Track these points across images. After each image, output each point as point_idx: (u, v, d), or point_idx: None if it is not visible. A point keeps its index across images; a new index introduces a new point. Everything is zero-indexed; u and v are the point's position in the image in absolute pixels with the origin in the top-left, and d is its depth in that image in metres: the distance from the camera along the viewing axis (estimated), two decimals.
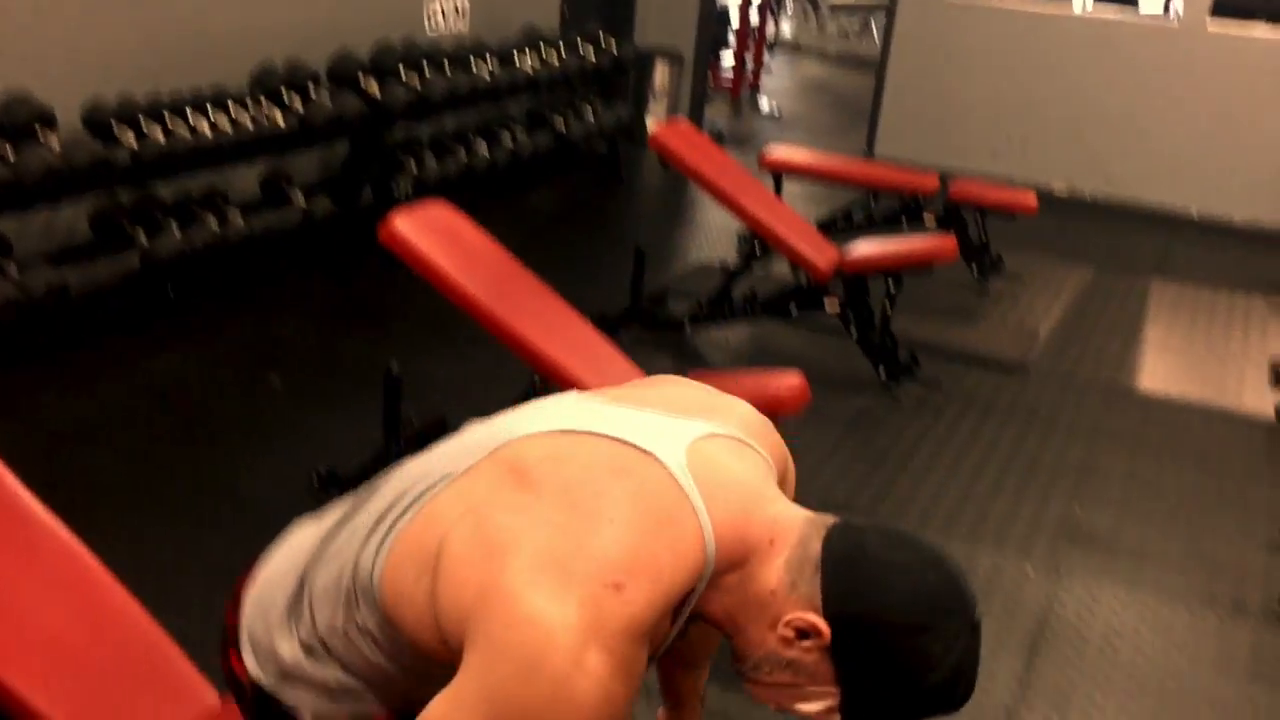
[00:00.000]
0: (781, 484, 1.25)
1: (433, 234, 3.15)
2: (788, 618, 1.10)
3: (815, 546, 1.11)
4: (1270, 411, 4.44)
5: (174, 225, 4.03)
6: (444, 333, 4.39)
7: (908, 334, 4.55)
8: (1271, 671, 2.92)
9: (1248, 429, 4.36)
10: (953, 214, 5.57)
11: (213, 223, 4.14)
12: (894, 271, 4.29)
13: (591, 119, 6.51)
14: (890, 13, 7.81)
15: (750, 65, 10.09)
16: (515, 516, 1.09)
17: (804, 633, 1.10)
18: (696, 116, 8.02)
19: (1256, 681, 2.88)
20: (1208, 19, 7.07)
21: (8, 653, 1.70)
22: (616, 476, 1.11)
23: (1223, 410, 4.51)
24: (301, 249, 4.82)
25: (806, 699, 1.14)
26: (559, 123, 6.26)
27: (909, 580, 1.08)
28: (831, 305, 4.33)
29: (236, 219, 4.24)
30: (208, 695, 1.81)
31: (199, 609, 2.14)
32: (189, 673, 1.83)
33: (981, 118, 7.59)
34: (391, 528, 1.20)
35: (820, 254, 4.33)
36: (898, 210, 5.70)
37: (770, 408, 2.92)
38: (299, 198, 4.57)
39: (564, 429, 1.18)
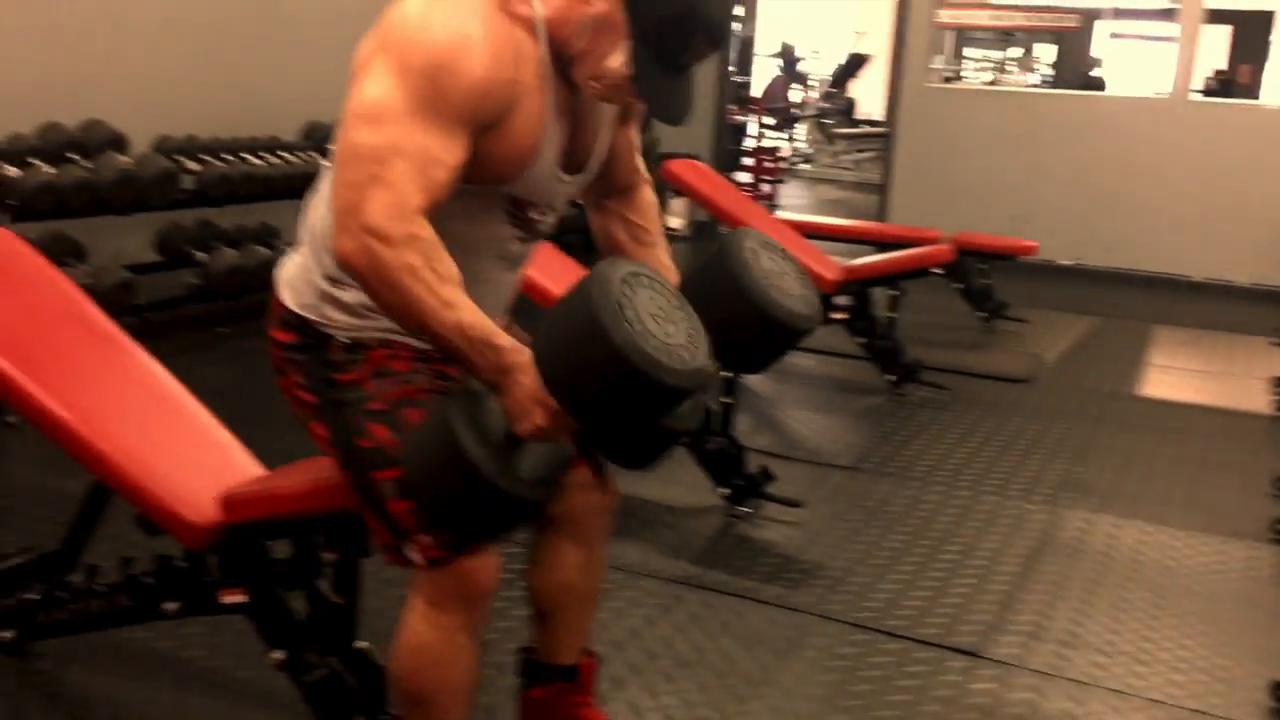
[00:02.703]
0: None
1: None
2: None
3: None
4: (1268, 408, 4.61)
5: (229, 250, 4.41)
6: None
7: (914, 358, 4.77)
8: (1263, 574, 3.06)
9: (1247, 420, 4.53)
10: (956, 264, 5.85)
11: (264, 251, 4.51)
12: (895, 276, 4.57)
13: None
14: (893, 98, 8.27)
15: (766, 180, 10.60)
16: None
17: None
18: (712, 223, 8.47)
19: (1249, 583, 3.01)
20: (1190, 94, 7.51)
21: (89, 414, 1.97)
22: None
23: (1222, 408, 4.69)
24: None
25: (611, 52, 1.52)
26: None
27: None
28: (838, 315, 4.59)
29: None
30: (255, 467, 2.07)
31: None
32: (241, 450, 2.09)
33: (984, 197, 7.96)
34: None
35: (823, 265, 4.62)
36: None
37: None
38: None
39: None
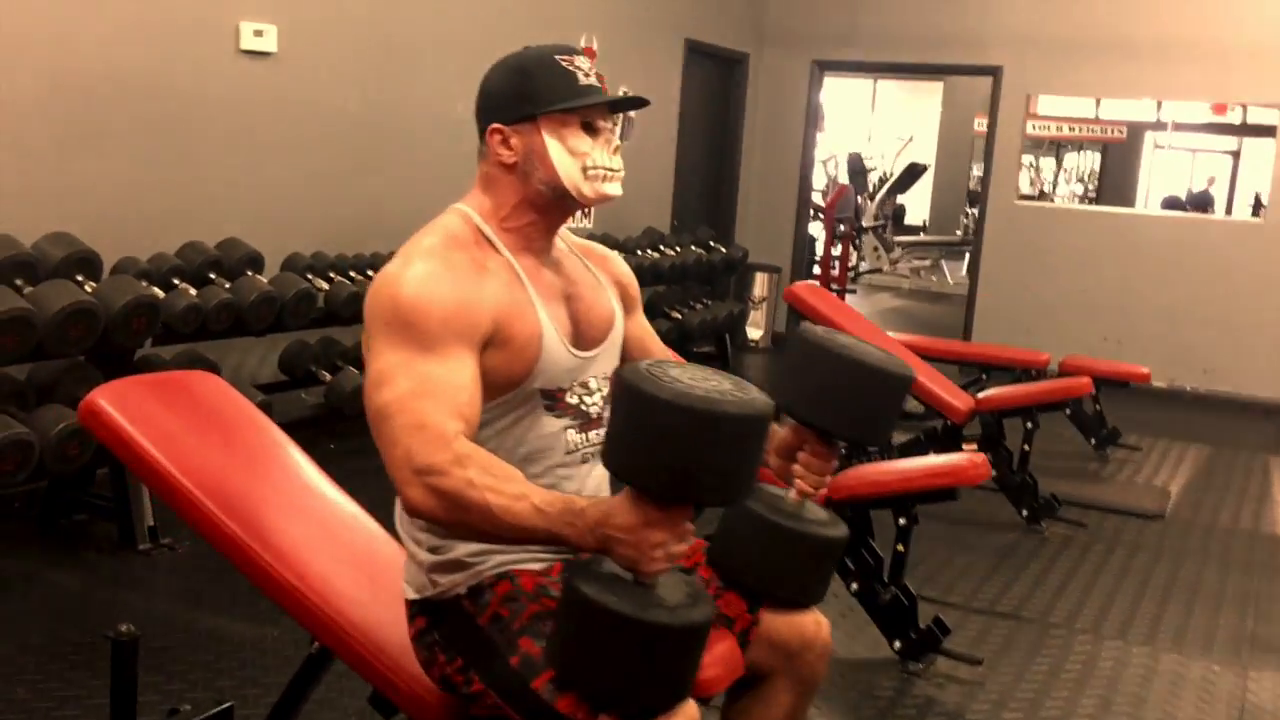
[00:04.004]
0: None
1: None
2: (491, 145, 1.68)
3: None
4: None
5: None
6: None
7: (1049, 493, 4.59)
8: None
9: None
10: None
11: None
12: (1028, 409, 4.43)
13: (702, 312, 6.86)
14: (980, 213, 8.20)
15: (837, 290, 10.55)
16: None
17: (501, 139, 1.66)
18: (793, 326, 8.38)
19: None
20: None
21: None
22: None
23: None
24: None
25: (543, 153, 1.65)
26: (673, 313, 6.62)
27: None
28: (969, 446, 4.45)
29: None
30: None
31: None
32: None
33: (1074, 316, 7.84)
34: None
35: (955, 396, 4.49)
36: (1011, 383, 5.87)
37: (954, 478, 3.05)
38: None
39: None
